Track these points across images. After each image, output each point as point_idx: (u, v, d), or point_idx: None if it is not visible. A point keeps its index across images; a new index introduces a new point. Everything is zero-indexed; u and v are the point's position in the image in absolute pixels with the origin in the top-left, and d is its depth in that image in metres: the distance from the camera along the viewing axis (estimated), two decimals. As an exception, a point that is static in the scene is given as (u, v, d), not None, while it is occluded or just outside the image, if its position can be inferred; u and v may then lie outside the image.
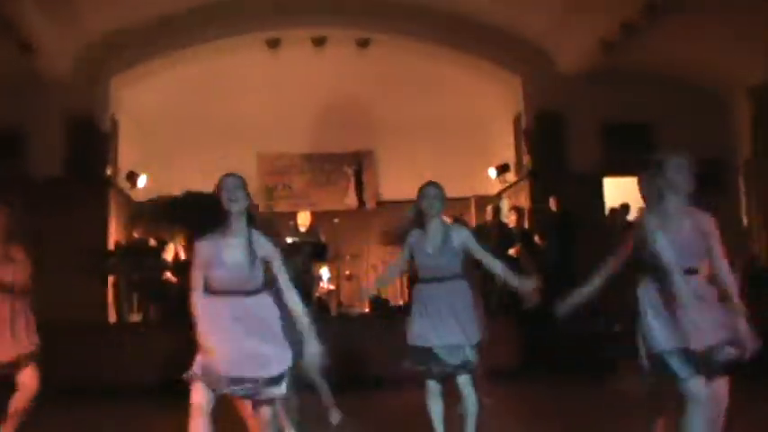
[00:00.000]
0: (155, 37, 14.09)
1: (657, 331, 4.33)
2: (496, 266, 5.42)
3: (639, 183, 4.81)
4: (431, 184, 5.77)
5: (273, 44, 15.18)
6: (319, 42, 15.21)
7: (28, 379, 5.86)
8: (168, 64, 14.86)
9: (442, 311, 5.36)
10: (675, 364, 4.22)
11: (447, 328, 5.32)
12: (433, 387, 5.46)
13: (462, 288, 5.49)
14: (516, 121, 15.39)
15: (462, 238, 5.51)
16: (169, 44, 14.33)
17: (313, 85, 15.76)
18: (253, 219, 4.54)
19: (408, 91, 15.87)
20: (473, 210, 15.64)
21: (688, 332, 4.19)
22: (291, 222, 12.88)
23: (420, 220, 5.67)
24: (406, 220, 5.75)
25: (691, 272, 4.36)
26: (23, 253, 5.99)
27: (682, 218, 4.44)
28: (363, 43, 15.36)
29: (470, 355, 5.28)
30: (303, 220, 12.77)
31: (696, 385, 4.17)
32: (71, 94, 13.49)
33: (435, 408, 5.47)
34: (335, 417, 7.07)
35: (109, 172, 13.97)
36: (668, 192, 4.47)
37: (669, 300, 4.30)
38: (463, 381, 5.32)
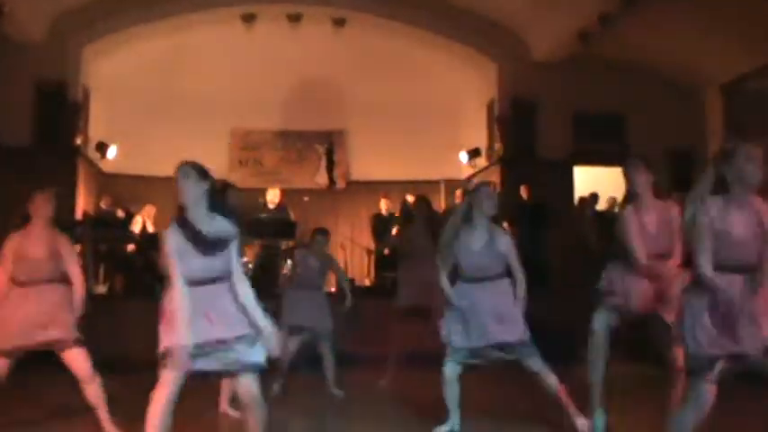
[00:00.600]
0: (129, 7, 13.96)
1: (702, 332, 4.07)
2: (520, 276, 5.66)
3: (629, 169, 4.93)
4: (486, 183, 5.87)
5: (249, 19, 15.04)
6: (295, 19, 15.10)
7: (72, 363, 5.68)
8: (142, 35, 14.72)
9: (487, 310, 5.52)
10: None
11: (495, 326, 5.51)
12: (452, 372, 5.67)
13: (506, 287, 5.65)
14: (490, 106, 15.40)
15: (506, 243, 5.68)
16: (144, 15, 14.18)
17: (287, 63, 15.67)
18: (215, 203, 4.45)
19: (383, 72, 15.83)
20: (442, 193, 15.64)
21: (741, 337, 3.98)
22: (261, 199, 12.86)
23: (468, 217, 5.67)
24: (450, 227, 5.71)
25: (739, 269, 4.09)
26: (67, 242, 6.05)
27: (742, 211, 4.11)
28: (339, 22, 15.27)
29: (524, 349, 5.57)
30: (272, 196, 12.75)
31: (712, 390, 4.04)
32: (42, 61, 13.31)
33: (453, 390, 5.69)
34: (338, 392, 7.55)
35: (78, 141, 13.82)
36: (735, 182, 4.09)
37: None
38: (533, 363, 5.57)
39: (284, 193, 13.19)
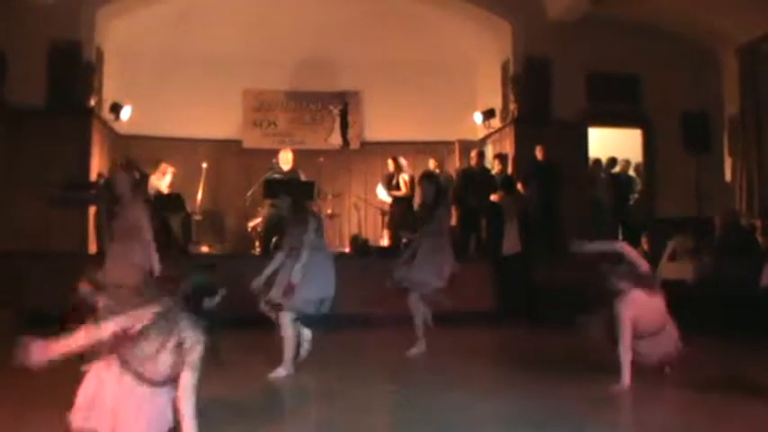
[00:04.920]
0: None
1: None
2: None
3: None
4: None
5: (262, -22, 15.00)
6: (309, -22, 15.05)
7: None
8: (156, -5, 14.71)
9: None
10: None
11: None
12: None
13: None
14: (504, 66, 15.31)
15: None
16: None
17: (301, 23, 15.59)
18: None
19: (397, 32, 15.75)
20: (457, 154, 15.65)
21: None
22: (274, 160, 12.87)
23: None
24: None
25: None
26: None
27: None
28: (354, -18, 15.20)
29: None
30: (285, 158, 12.73)
31: None
32: (56, 22, 13.23)
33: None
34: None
35: (92, 103, 13.82)
36: None
37: None
38: None
39: (297, 154, 13.19)
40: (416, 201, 13.42)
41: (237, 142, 16.12)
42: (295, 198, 7.07)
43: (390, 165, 14.13)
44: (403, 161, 14.11)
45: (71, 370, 3.87)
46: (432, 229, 8.00)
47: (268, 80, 16.23)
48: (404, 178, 13.79)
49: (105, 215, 12.78)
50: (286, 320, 6.67)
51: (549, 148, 13.24)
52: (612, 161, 14.22)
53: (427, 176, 8.44)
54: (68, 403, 3.68)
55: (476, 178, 13.13)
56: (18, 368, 3.52)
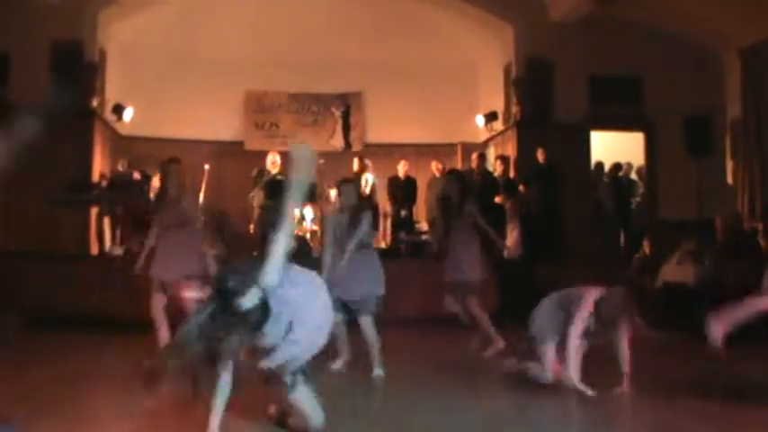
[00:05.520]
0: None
1: None
2: None
3: None
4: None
5: (264, -20, 15.01)
6: (312, -21, 15.06)
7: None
8: (158, -2, 14.73)
9: None
10: None
11: None
12: None
13: None
14: (507, 69, 15.31)
15: None
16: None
17: (303, 25, 15.61)
18: None
19: (400, 34, 15.76)
20: (459, 156, 15.64)
21: None
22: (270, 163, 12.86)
23: None
24: None
25: None
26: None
27: None
28: (356, -17, 15.22)
29: None
30: (273, 160, 12.67)
31: None
32: (59, 22, 13.23)
33: None
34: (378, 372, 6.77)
35: (95, 104, 13.83)
36: None
37: None
38: None
39: (284, 156, 13.15)
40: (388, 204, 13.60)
41: (239, 144, 16.12)
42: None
43: (356, 164, 14.09)
44: (368, 161, 14.10)
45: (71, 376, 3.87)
46: (459, 225, 8.00)
47: (270, 82, 16.24)
48: (366, 179, 13.78)
49: (107, 215, 12.91)
50: (366, 323, 6.71)
51: (552, 151, 13.23)
52: (617, 167, 14.23)
53: (452, 173, 8.47)
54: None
55: (477, 181, 13.13)
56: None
